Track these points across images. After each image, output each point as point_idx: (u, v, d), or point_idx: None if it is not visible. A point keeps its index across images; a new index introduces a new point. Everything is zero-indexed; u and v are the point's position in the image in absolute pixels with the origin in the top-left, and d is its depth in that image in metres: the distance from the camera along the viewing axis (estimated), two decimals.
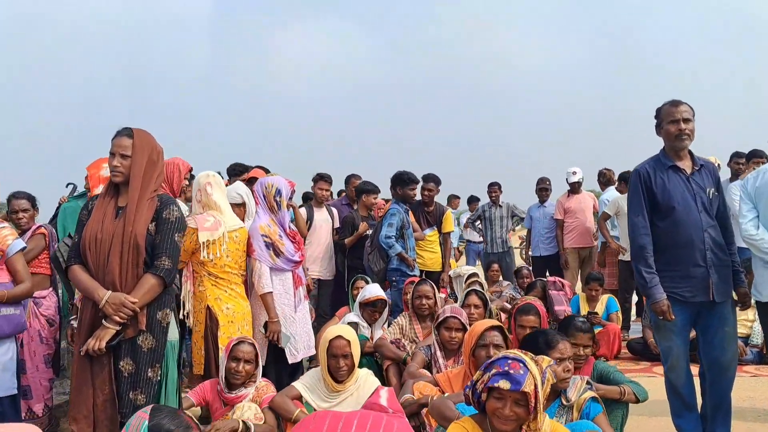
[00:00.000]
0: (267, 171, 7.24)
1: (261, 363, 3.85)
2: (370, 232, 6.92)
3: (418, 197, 7.38)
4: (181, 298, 4.21)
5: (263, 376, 4.49)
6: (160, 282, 2.97)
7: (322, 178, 7.13)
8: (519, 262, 10.02)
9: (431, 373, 4.19)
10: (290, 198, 4.59)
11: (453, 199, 13.94)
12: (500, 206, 9.86)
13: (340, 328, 3.91)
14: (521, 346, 3.38)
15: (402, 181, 6.66)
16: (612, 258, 8.36)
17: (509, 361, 2.46)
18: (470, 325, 4.87)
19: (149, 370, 2.97)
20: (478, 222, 10.19)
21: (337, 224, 7.26)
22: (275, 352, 4.43)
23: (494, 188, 9.91)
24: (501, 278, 9.08)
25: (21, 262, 3.67)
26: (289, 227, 4.58)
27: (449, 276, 8.55)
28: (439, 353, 4.28)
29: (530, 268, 8.34)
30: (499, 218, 9.81)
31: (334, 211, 7.34)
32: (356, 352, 3.75)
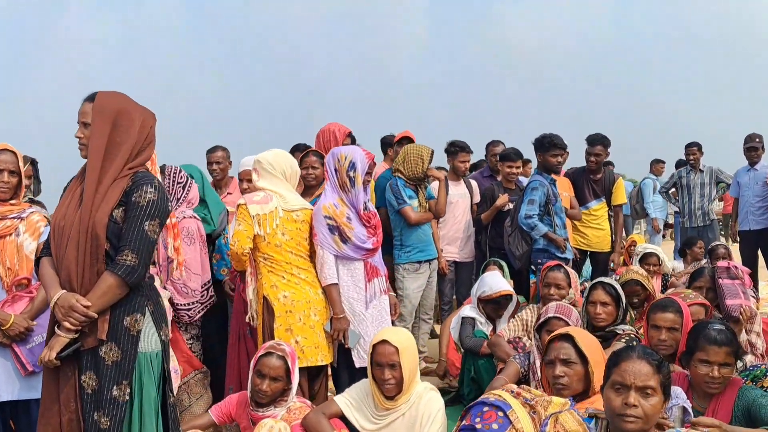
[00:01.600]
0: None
1: (295, 380, 3.21)
2: (511, 206, 5.97)
3: (572, 163, 6.25)
4: (248, 299, 3.74)
5: (334, 380, 3.90)
6: (120, 282, 2.43)
7: (462, 150, 6.26)
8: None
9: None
10: (367, 173, 3.88)
11: (656, 164, 12.16)
12: (701, 171, 8.25)
13: (389, 330, 3.18)
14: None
15: (542, 145, 5.60)
16: None
17: (485, 409, 1.67)
18: (595, 330, 3.85)
19: (114, 387, 2.45)
20: (674, 190, 8.64)
21: (477, 199, 6.39)
22: (348, 354, 3.79)
23: (693, 149, 8.31)
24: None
25: None
26: (366, 207, 3.88)
27: (627, 255, 7.30)
28: (539, 363, 3.34)
29: (728, 246, 6.75)
30: (699, 185, 8.22)
31: (474, 184, 6.45)
32: (408, 362, 2.98)
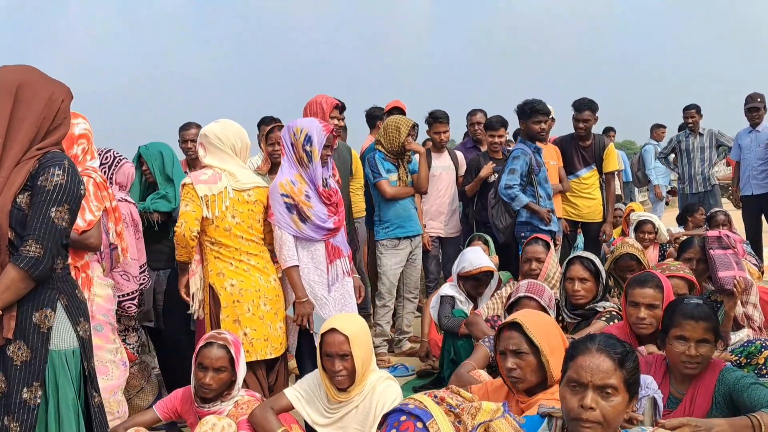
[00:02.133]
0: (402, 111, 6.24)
1: (241, 370, 2.96)
2: (495, 178, 5.69)
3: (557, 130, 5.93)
4: (191, 290, 3.49)
5: (300, 369, 3.68)
6: (23, 276, 2.17)
7: (436, 120, 5.94)
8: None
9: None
10: (325, 146, 3.59)
11: (657, 129, 11.81)
12: (700, 134, 7.93)
13: (339, 318, 2.94)
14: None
15: (524, 112, 5.30)
16: None
17: (402, 419, 1.49)
18: (574, 308, 3.62)
19: (24, 390, 2.22)
20: (672, 156, 8.32)
21: (463, 171, 6.10)
22: (312, 341, 3.55)
23: (691, 112, 7.98)
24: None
25: None
26: (326, 184, 3.62)
27: (625, 225, 7.04)
28: None
29: (727, 213, 6.43)
30: (699, 149, 7.90)
31: (460, 156, 6.15)
32: (360, 351, 2.74)
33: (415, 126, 5.32)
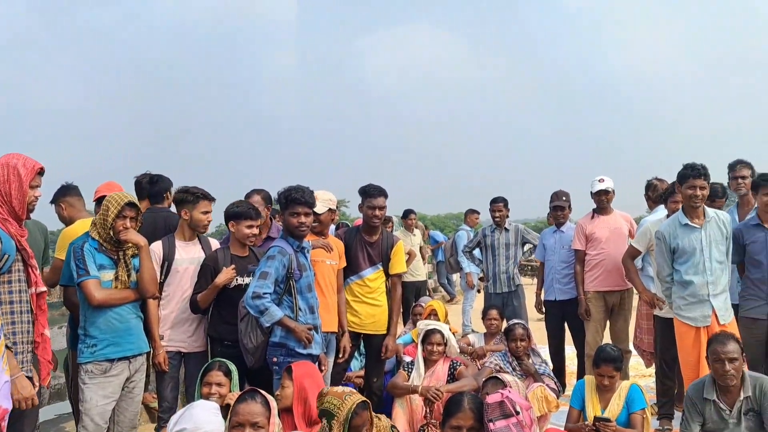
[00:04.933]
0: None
1: None
2: (242, 281, 4.42)
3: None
4: None
5: None
6: None
7: (197, 198, 4.52)
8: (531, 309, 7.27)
9: None
10: None
11: (471, 215, 11.35)
12: (506, 230, 7.26)
13: None
14: None
15: (280, 202, 4.18)
16: (647, 311, 5.74)
17: None
18: None
19: None
20: (478, 251, 7.59)
21: None
22: None
23: (498, 205, 7.33)
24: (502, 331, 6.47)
25: None
26: None
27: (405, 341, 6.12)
28: None
29: (526, 325, 5.64)
30: (504, 246, 7.22)
31: (215, 244, 4.81)
32: None
33: (131, 204, 3.94)
